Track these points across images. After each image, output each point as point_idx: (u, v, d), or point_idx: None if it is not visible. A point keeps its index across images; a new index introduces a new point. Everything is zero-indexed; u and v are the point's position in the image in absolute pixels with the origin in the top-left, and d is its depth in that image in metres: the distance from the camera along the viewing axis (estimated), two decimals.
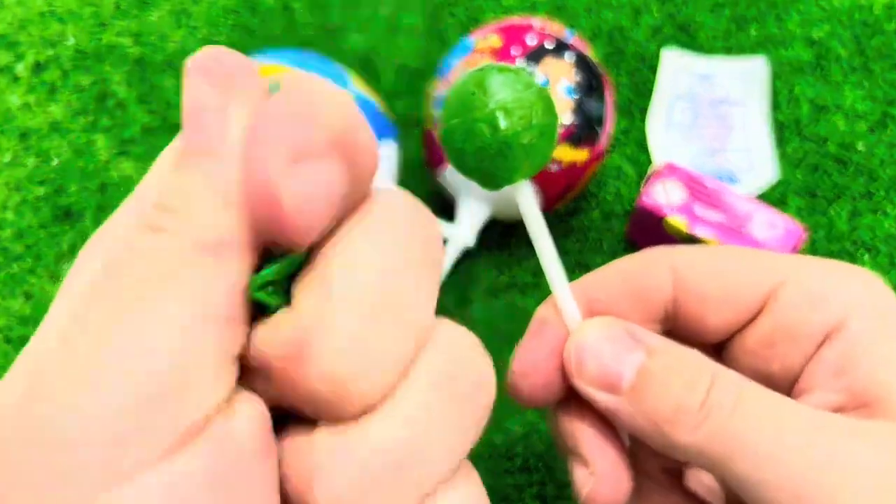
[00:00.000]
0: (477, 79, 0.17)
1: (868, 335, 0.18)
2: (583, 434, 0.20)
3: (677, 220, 0.35)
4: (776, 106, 0.43)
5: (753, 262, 0.20)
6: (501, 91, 0.16)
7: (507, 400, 0.35)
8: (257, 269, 0.13)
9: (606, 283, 0.20)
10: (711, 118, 0.43)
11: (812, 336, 0.19)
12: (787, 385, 0.19)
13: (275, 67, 0.33)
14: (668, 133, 0.42)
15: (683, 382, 0.18)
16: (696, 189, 0.36)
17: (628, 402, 0.18)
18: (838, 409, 0.18)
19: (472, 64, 0.34)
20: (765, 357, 0.19)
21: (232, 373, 0.13)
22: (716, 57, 0.45)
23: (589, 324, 0.19)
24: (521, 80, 0.17)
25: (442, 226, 0.34)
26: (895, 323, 0.18)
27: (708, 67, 0.45)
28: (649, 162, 0.42)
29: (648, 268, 0.20)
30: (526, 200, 0.19)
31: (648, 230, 0.37)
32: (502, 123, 0.16)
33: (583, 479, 0.19)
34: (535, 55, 0.33)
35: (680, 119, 0.43)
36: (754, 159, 0.41)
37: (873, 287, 0.19)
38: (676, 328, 0.20)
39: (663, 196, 0.36)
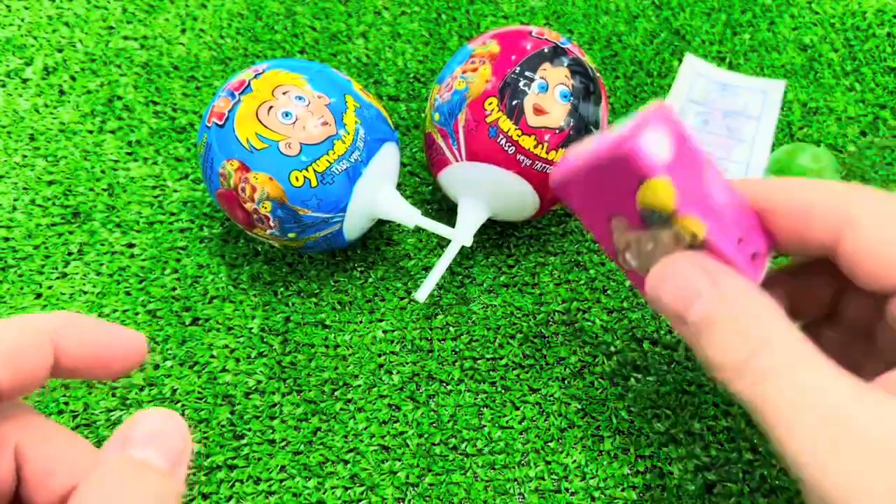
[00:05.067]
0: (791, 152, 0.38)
1: None
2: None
3: (665, 185, 0.22)
4: None
5: None
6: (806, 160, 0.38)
7: (506, 396, 0.36)
8: None
9: (781, 203, 0.23)
10: (721, 128, 0.43)
11: None
12: None
13: (281, 74, 0.34)
14: None
15: (737, 339, 0.20)
16: (685, 152, 0.23)
17: (689, 333, 0.21)
18: None
19: (472, 69, 0.35)
20: None
21: None
22: (736, 72, 0.46)
23: (682, 254, 0.22)
24: (818, 153, 0.39)
25: (440, 227, 0.35)
26: None
27: (729, 78, 0.45)
28: None
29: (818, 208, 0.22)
30: None
31: (604, 196, 0.25)
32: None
33: None
34: (533, 61, 0.34)
35: (689, 123, 0.44)
36: (751, 174, 0.42)
37: None
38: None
39: (656, 146, 0.22)
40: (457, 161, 0.35)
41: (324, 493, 0.33)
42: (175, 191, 0.42)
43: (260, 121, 0.33)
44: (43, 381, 0.22)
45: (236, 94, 0.33)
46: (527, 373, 0.36)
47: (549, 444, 0.34)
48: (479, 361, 0.37)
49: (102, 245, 0.40)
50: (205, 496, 0.33)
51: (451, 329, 0.38)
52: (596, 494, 0.33)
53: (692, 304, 0.21)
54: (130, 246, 0.40)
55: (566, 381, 0.36)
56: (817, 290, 0.26)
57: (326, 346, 0.37)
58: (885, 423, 0.18)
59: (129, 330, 0.24)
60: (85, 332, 0.23)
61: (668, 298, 0.22)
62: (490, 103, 0.34)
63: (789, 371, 0.19)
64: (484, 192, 0.35)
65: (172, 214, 0.41)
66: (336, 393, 0.36)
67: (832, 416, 0.18)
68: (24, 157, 0.43)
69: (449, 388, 0.36)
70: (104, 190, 0.41)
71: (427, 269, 0.39)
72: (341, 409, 0.35)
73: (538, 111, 0.33)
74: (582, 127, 0.34)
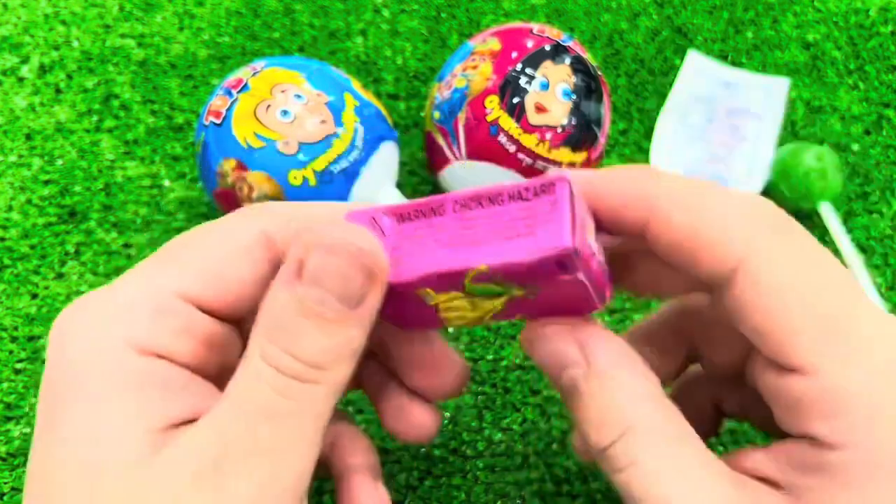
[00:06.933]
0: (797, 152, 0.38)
1: None
2: None
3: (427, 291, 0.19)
4: None
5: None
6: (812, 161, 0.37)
7: (506, 398, 0.36)
8: None
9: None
10: (724, 126, 0.43)
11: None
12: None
13: (279, 72, 0.34)
14: (676, 133, 0.43)
15: (599, 423, 0.19)
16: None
17: (561, 391, 0.20)
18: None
19: (472, 67, 0.34)
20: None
21: None
22: (740, 69, 0.45)
23: (552, 321, 0.20)
24: (822, 152, 0.38)
25: None
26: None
27: (732, 76, 0.45)
28: (646, 162, 0.42)
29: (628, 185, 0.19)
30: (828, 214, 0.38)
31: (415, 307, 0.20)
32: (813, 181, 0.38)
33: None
34: (534, 58, 0.34)
35: (694, 121, 0.43)
36: (752, 171, 0.41)
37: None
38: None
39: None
40: (457, 160, 0.35)
41: (322, 497, 0.33)
42: (172, 190, 0.41)
43: (258, 119, 0.32)
44: (264, 286, 0.18)
45: (234, 92, 0.33)
46: (528, 374, 0.36)
47: (552, 446, 0.34)
48: (479, 363, 0.36)
49: (99, 245, 0.39)
50: None
51: (451, 329, 0.37)
52: (598, 498, 0.33)
53: (563, 370, 0.20)
54: (127, 246, 0.40)
55: None
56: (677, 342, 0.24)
57: None
58: None
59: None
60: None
61: (541, 360, 0.20)
62: (491, 101, 0.33)
63: (651, 462, 0.18)
64: None
65: (169, 214, 0.40)
66: None
67: None
68: (21, 156, 0.42)
69: None
70: (101, 189, 0.41)
71: None
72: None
73: (539, 109, 0.33)
74: (584, 125, 0.34)
